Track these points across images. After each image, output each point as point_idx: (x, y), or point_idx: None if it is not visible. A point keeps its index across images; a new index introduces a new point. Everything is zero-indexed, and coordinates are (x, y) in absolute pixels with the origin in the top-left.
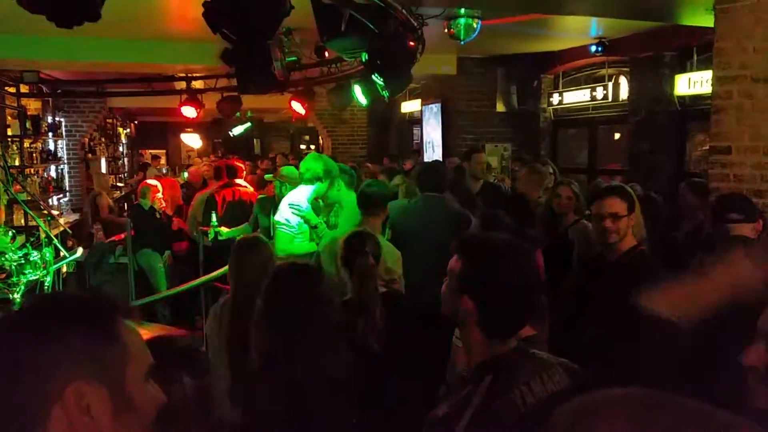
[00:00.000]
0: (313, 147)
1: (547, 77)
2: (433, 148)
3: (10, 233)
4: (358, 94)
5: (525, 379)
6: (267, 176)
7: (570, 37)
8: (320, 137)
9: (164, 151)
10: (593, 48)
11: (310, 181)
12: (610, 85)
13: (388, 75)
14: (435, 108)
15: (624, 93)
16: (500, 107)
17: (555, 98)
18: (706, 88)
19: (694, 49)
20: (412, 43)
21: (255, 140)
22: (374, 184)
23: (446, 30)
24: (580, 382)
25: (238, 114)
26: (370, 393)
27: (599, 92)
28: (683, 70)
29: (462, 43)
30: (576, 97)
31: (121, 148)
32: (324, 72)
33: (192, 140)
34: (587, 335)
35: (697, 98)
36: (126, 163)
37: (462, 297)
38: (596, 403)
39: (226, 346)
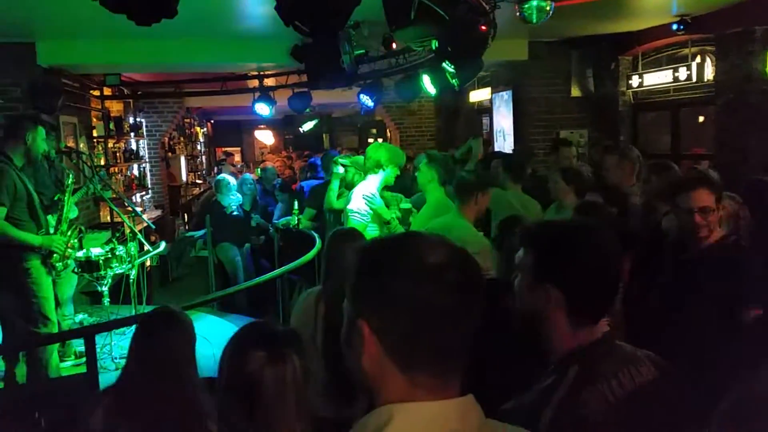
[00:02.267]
0: (380, 140)
1: (626, 59)
2: (504, 137)
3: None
4: (427, 84)
5: (613, 371)
6: (341, 160)
7: (649, 16)
8: (388, 130)
9: (239, 148)
10: (675, 26)
11: (373, 170)
12: (694, 64)
13: (459, 62)
14: (506, 95)
15: (709, 73)
16: (575, 92)
17: (634, 81)
18: None
19: None
20: (483, 27)
21: (324, 135)
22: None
23: (517, 13)
24: (668, 376)
25: (308, 110)
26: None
27: (682, 73)
28: None
29: (534, 23)
30: (657, 78)
31: (198, 147)
32: (392, 63)
33: (265, 137)
34: (675, 329)
35: None
36: (204, 161)
37: (542, 289)
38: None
39: (322, 337)
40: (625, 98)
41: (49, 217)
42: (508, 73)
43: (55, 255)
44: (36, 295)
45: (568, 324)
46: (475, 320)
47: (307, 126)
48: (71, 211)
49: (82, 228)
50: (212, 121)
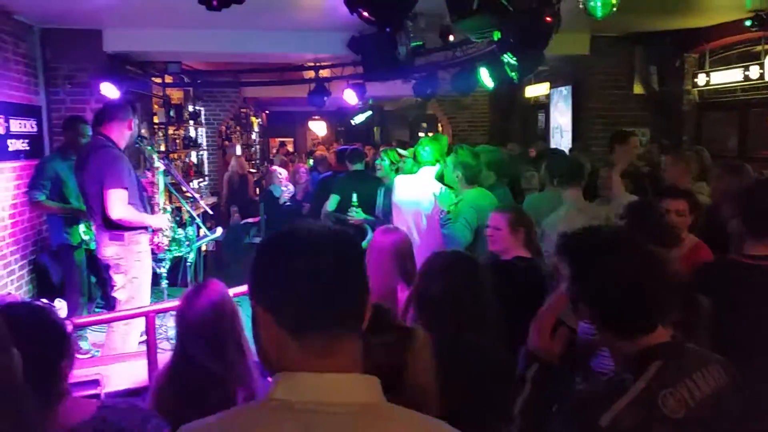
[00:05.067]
0: (431, 134)
1: (692, 56)
2: (561, 134)
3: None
4: (485, 77)
5: (689, 373)
6: (400, 151)
7: (720, 12)
8: (440, 124)
9: (291, 139)
10: (748, 22)
11: (428, 164)
12: (767, 63)
13: (521, 54)
14: (565, 91)
15: None
16: (638, 89)
17: (701, 79)
18: None
19: None
20: (548, 19)
21: (375, 128)
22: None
23: (580, 6)
24: (738, 381)
25: (360, 103)
26: None
27: (753, 71)
28: None
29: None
30: (726, 77)
31: (253, 136)
32: (448, 56)
33: (319, 128)
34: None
35: None
36: (258, 150)
37: (580, 306)
38: None
39: None
40: (689, 97)
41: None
42: (568, 67)
43: (160, 233)
44: (135, 276)
45: (615, 336)
46: (352, 294)
47: (359, 118)
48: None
49: (170, 208)
50: (267, 112)
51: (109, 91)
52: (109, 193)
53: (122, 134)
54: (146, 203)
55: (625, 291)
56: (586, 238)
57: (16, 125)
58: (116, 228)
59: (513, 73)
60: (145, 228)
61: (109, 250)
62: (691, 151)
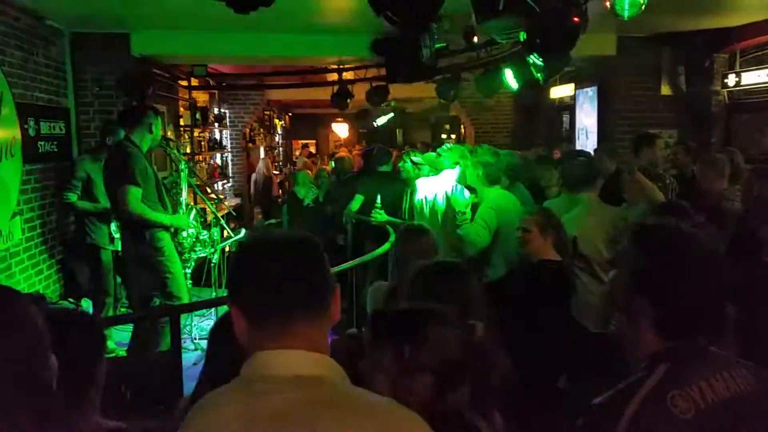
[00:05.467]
0: (453, 136)
1: (722, 56)
2: (586, 135)
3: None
4: (509, 78)
5: (704, 375)
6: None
7: (752, 11)
8: (462, 126)
9: (314, 141)
10: None
11: (449, 167)
12: None
13: (547, 55)
14: (590, 92)
15: None
16: (665, 90)
17: (731, 79)
18: None
19: None
20: (576, 19)
21: (397, 130)
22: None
23: (607, 5)
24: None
25: (384, 104)
26: None
27: None
28: None
29: (625, 20)
30: (757, 77)
31: (276, 138)
32: (472, 58)
33: (341, 130)
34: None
35: None
36: (281, 152)
37: (636, 299)
38: None
39: None
40: (719, 98)
41: (179, 199)
42: (593, 68)
43: (181, 233)
44: (170, 271)
45: (654, 334)
46: (303, 289)
47: (381, 120)
48: (184, 181)
49: (196, 208)
50: (290, 114)
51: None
52: (119, 190)
53: (144, 137)
54: (167, 204)
55: (698, 291)
56: (664, 232)
57: (46, 127)
58: (138, 227)
59: (538, 74)
60: (167, 227)
61: (133, 249)
62: (722, 152)
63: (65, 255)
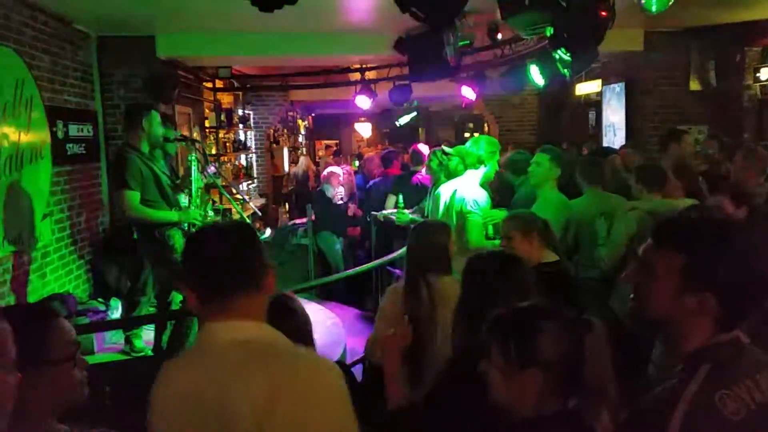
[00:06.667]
0: (477, 135)
1: (753, 50)
2: (614, 132)
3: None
4: (535, 74)
5: (750, 374)
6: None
7: None
8: (486, 124)
9: (337, 141)
10: None
11: (474, 165)
12: None
13: (575, 50)
14: (618, 88)
15: None
16: (694, 85)
17: (763, 73)
18: None
19: None
20: (603, 13)
21: (420, 129)
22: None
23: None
24: None
25: (406, 104)
26: None
27: None
28: None
29: (653, 14)
30: None
31: (300, 139)
32: (497, 54)
33: (364, 129)
34: None
35: None
36: (304, 152)
37: (693, 296)
38: None
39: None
40: (750, 92)
41: (180, 195)
42: (621, 64)
43: (193, 228)
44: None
45: (710, 329)
46: (239, 270)
47: (404, 119)
48: (199, 182)
49: (214, 200)
50: (313, 115)
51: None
52: (116, 195)
53: (137, 137)
54: (172, 200)
55: (754, 277)
56: (698, 226)
57: (74, 130)
58: (148, 227)
59: (565, 70)
60: (176, 224)
61: (147, 248)
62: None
63: (94, 255)
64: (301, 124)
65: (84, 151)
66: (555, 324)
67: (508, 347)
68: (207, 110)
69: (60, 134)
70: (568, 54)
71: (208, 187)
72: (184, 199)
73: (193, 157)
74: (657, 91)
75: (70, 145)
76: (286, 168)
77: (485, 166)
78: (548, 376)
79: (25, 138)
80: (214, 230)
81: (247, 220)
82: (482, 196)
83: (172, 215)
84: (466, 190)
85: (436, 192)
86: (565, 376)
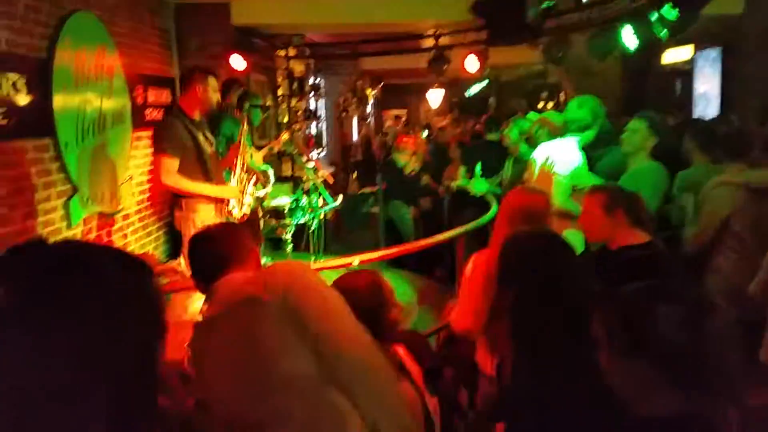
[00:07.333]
0: (550, 105)
1: None
2: (707, 102)
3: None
4: (627, 36)
5: None
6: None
7: None
8: (562, 93)
9: (405, 110)
10: None
11: (576, 131)
12: None
13: (682, 5)
14: (713, 54)
15: None
16: None
17: None
18: None
19: None
20: None
21: (491, 99)
22: None
23: None
24: None
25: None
26: None
27: None
28: None
29: None
30: None
31: (368, 108)
32: (583, 17)
33: (435, 98)
34: None
35: None
36: (372, 122)
37: None
38: None
39: None
40: None
41: (227, 172)
42: (717, 28)
43: (229, 203)
44: None
45: None
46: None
47: (474, 89)
48: (251, 161)
49: (264, 175)
50: (382, 84)
51: (237, 62)
52: (155, 160)
53: (190, 103)
54: (211, 174)
55: None
56: None
57: (152, 95)
58: (177, 195)
59: (663, 31)
60: (213, 199)
61: (175, 216)
62: None
63: (172, 216)
64: (370, 93)
65: (161, 117)
66: (672, 308)
67: (616, 333)
68: (280, 78)
69: (139, 99)
70: (675, 10)
71: (279, 155)
72: (232, 177)
73: (243, 128)
74: (758, 58)
75: (149, 110)
76: (355, 137)
77: (586, 130)
78: (657, 367)
79: (108, 103)
80: (215, 229)
81: (321, 188)
82: (576, 159)
83: (210, 189)
84: (558, 152)
85: (531, 157)
86: (684, 369)
